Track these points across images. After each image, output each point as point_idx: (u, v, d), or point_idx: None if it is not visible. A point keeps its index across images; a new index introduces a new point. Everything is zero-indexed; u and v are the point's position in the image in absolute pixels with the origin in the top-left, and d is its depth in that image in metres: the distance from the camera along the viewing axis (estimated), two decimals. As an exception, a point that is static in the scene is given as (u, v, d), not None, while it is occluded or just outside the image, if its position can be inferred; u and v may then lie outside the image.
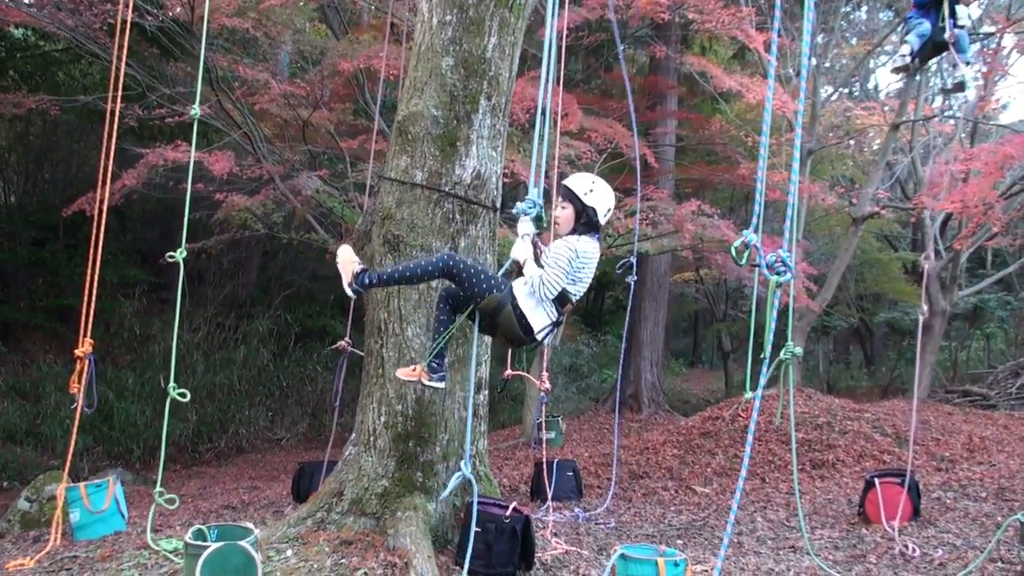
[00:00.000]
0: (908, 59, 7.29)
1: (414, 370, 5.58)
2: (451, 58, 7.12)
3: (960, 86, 7.36)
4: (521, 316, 5.11)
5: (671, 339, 34.70)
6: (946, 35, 6.94)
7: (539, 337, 5.26)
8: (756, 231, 3.89)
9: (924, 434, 12.49)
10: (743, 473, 4.03)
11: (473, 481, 6.02)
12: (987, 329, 26.22)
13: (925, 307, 7.75)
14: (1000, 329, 26.20)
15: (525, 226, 5.18)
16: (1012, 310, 24.32)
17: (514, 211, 5.20)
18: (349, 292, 5.15)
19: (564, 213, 5.20)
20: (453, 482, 5.90)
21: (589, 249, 5.14)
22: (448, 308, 5.58)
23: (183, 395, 5.25)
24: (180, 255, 5.45)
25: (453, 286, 5.45)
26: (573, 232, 5.18)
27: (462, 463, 5.90)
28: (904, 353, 25.92)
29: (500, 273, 5.48)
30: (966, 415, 15.25)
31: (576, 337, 26.71)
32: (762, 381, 3.95)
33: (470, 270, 5.17)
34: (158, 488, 6.11)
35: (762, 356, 3.97)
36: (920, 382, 18.15)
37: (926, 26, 6.98)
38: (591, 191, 5.16)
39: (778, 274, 3.85)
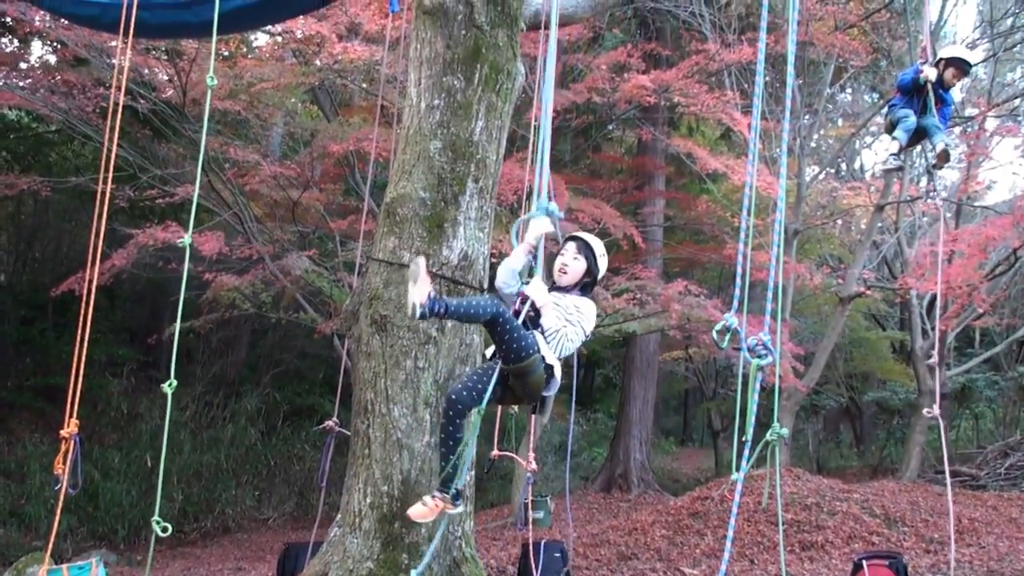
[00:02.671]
0: (898, 160, 7.27)
1: (437, 506, 4.84)
2: (439, 141, 7.24)
3: (945, 155, 7.28)
4: (550, 369, 4.76)
5: (661, 417, 34.57)
6: (938, 147, 6.92)
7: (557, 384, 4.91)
8: (737, 314, 3.92)
9: (913, 515, 12.42)
10: (726, 556, 4.03)
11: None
12: (976, 409, 26.19)
13: (935, 409, 7.68)
14: (989, 409, 26.17)
15: (542, 225, 4.68)
16: (1000, 390, 24.30)
17: (535, 209, 4.73)
18: (417, 311, 4.43)
19: (576, 264, 4.96)
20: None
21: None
22: (459, 420, 4.83)
23: (165, 530, 5.18)
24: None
25: (463, 392, 4.78)
26: (576, 288, 5.00)
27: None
28: (893, 433, 25.89)
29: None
30: (955, 496, 15.17)
31: (566, 415, 26.60)
32: (744, 465, 3.96)
33: (517, 329, 4.60)
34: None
35: (744, 439, 3.99)
36: (910, 462, 18.18)
37: (911, 120, 7.02)
38: (603, 255, 5.08)
39: (759, 357, 3.87)
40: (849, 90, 26.19)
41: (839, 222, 24.33)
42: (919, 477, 18.37)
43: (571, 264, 4.97)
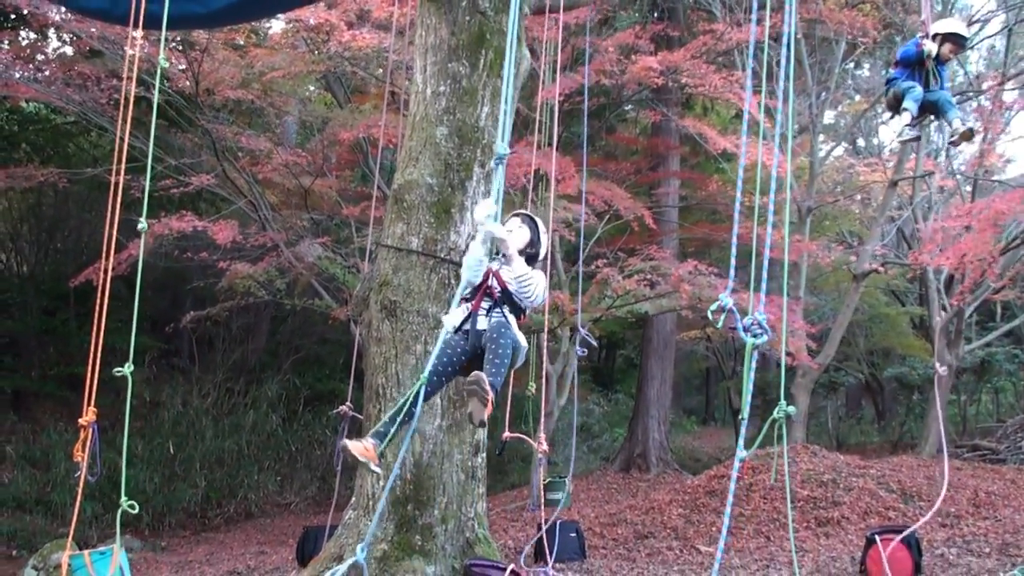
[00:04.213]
0: (914, 130, 7.28)
1: (367, 450, 4.64)
2: (445, 127, 7.31)
3: (969, 133, 7.25)
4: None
5: (684, 396, 34.55)
6: (956, 124, 6.96)
7: None
8: (732, 293, 3.98)
9: (929, 490, 12.42)
10: (724, 532, 4.11)
11: None
12: (996, 383, 26.09)
13: (941, 369, 7.69)
14: (1009, 383, 26.07)
15: (486, 207, 4.68)
16: (1021, 363, 24.19)
17: (491, 162, 4.77)
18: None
19: (521, 232, 5.05)
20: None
21: None
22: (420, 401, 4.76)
23: (132, 506, 5.30)
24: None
25: (435, 378, 4.80)
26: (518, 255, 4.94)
27: None
28: (913, 408, 25.83)
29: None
30: (974, 470, 15.18)
31: (587, 396, 26.68)
32: (742, 442, 4.02)
33: (518, 342, 4.74)
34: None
35: (740, 417, 4.05)
36: (928, 437, 18.17)
37: (919, 90, 7.04)
38: (545, 232, 5.20)
39: (755, 336, 3.93)
40: (866, 66, 26.03)
41: (857, 198, 24.24)
42: (938, 451, 18.34)
43: (516, 231, 5.05)
